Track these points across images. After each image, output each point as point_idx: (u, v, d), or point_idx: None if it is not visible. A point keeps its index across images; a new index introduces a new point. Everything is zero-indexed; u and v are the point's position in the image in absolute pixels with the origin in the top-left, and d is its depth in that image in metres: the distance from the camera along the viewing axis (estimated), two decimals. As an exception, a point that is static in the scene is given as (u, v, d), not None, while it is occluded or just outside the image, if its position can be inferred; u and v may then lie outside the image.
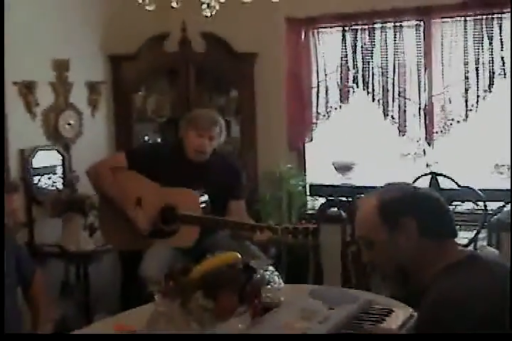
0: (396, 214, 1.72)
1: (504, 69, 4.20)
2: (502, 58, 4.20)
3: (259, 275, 2.41)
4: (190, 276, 2.23)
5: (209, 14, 2.53)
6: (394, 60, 4.47)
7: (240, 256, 2.42)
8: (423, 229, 1.71)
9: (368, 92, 4.56)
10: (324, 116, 4.71)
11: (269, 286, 2.50)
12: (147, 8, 2.50)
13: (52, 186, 4.31)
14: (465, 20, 4.27)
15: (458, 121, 4.36)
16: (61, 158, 4.37)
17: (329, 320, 2.35)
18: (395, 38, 4.45)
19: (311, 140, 4.80)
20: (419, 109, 4.44)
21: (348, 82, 4.62)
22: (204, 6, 2.51)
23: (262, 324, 2.29)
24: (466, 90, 4.30)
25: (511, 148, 4.09)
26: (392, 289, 1.83)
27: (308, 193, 4.87)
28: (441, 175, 4.29)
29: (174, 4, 2.50)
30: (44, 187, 4.28)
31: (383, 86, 4.52)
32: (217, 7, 2.52)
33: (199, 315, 2.14)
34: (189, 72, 4.73)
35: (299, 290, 2.78)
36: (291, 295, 2.59)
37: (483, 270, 1.67)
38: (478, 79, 4.27)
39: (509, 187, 4.31)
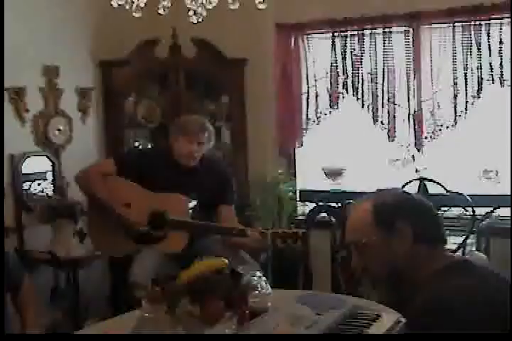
0: (392, 219, 1.73)
1: (492, 75, 4.21)
2: (490, 64, 4.21)
3: (246, 281, 2.42)
4: (176, 282, 2.23)
5: (196, 21, 2.54)
6: (383, 66, 4.48)
7: (227, 261, 2.42)
8: (417, 234, 1.72)
9: (358, 98, 4.57)
10: (314, 121, 4.72)
11: (256, 292, 2.51)
12: (134, 14, 2.51)
13: (42, 192, 4.31)
14: (453, 26, 4.28)
15: (447, 127, 4.37)
16: (51, 164, 4.36)
17: (316, 326, 2.36)
18: (384, 43, 4.47)
19: (301, 145, 4.81)
20: (409, 114, 4.45)
21: (337, 87, 4.63)
22: (191, 13, 2.52)
23: (249, 329, 2.30)
24: (455, 96, 4.32)
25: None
26: (383, 294, 1.84)
27: (298, 198, 4.88)
28: (430, 180, 4.31)
29: (161, 11, 2.51)
30: (34, 193, 4.27)
31: (373, 92, 4.53)
32: (205, 14, 2.52)
33: (186, 320, 2.15)
34: (179, 78, 4.73)
35: (286, 296, 2.78)
36: (279, 300, 2.60)
37: (472, 275, 1.68)
38: (466, 85, 4.28)
39: (497, 193, 4.33)
